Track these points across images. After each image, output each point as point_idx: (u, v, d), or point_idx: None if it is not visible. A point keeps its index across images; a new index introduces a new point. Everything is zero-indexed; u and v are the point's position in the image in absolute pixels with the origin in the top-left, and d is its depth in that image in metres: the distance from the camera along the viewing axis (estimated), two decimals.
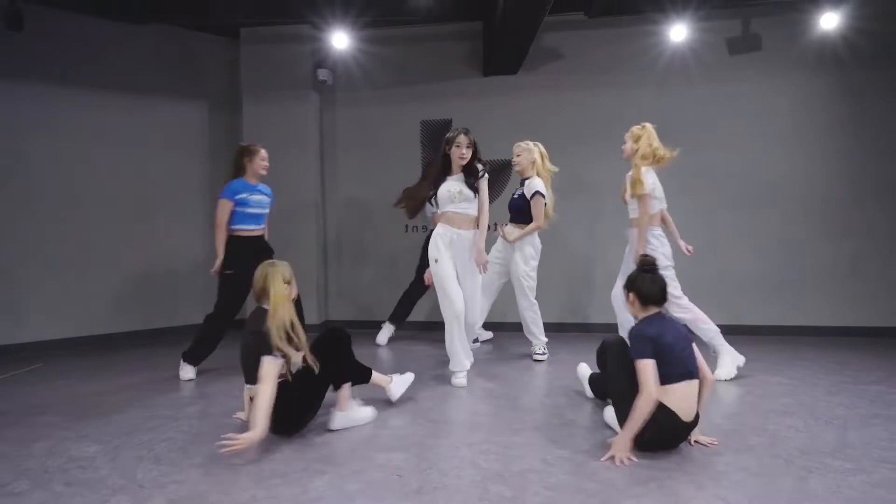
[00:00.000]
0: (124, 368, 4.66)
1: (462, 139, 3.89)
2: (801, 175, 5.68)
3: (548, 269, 5.15)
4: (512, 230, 4.71)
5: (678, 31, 5.55)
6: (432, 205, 4.08)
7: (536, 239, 4.70)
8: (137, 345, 5.64)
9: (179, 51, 6.17)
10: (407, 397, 3.59)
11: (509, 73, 6.03)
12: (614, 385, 2.88)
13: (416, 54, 6.25)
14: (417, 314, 5.74)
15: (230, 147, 6.21)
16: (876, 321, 5.56)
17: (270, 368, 2.77)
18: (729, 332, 4.23)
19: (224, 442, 2.60)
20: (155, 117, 6.02)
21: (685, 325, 3.71)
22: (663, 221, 4.20)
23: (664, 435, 2.66)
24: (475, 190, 3.94)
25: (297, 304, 3.19)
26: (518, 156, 4.71)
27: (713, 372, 3.27)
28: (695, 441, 2.78)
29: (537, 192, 4.55)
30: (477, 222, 3.98)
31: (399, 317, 5.53)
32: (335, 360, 3.10)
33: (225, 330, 4.29)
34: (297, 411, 2.98)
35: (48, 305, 5.49)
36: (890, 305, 5.56)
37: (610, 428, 2.98)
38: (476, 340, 5.08)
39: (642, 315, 2.80)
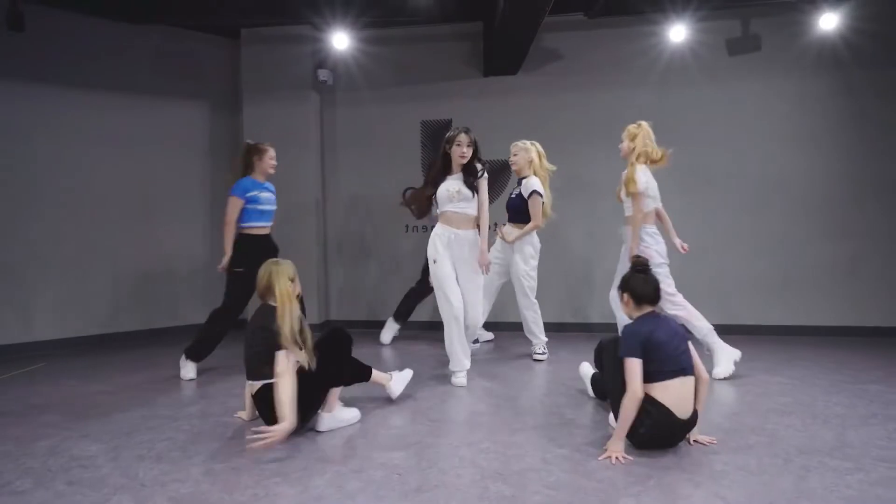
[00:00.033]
0: (125, 368, 4.67)
1: (463, 138, 3.90)
2: (801, 175, 5.68)
3: (548, 269, 5.16)
4: (510, 230, 4.71)
5: (678, 32, 5.56)
6: (434, 204, 4.09)
7: (535, 238, 4.70)
8: (138, 345, 5.64)
9: (180, 51, 6.17)
10: (407, 396, 3.60)
11: (509, 74, 6.04)
12: (610, 384, 2.92)
13: (417, 54, 6.25)
14: (420, 314, 5.75)
15: (231, 147, 6.27)
16: (875, 321, 5.57)
17: (286, 362, 2.82)
18: (728, 331, 4.24)
19: (255, 436, 2.63)
20: (155, 117, 6.02)
21: (683, 325, 3.72)
22: (659, 219, 4.22)
23: (660, 431, 2.68)
24: (474, 189, 3.95)
25: (300, 302, 3.21)
26: (515, 155, 4.71)
27: (711, 373, 3.28)
28: (694, 440, 2.80)
29: (534, 192, 4.55)
30: (476, 222, 3.99)
31: (403, 315, 5.53)
32: (335, 361, 3.12)
33: (228, 329, 4.31)
34: (299, 410, 2.98)
35: (49, 305, 5.50)
36: (889, 305, 5.56)
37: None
38: (476, 341, 5.08)
39: (637, 314, 2.85)
